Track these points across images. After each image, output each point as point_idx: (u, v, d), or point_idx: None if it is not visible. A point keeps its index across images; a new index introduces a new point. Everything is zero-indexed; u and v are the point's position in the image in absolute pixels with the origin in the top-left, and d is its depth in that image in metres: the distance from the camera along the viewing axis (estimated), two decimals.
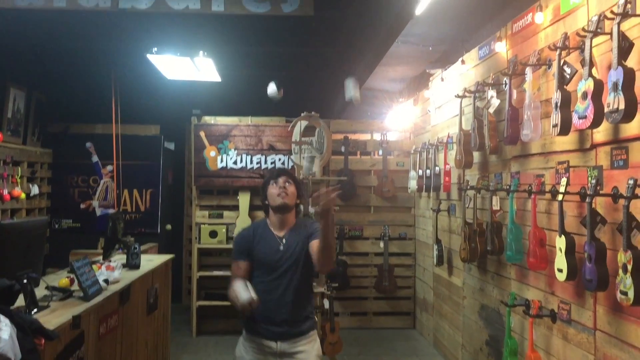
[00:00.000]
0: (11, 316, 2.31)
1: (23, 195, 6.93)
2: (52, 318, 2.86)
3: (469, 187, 5.14)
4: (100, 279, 3.67)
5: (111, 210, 7.88)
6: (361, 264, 7.74)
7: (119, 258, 4.86)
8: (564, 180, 3.47)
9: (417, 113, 7.73)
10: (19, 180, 6.88)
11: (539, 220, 3.89)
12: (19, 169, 6.94)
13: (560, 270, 3.42)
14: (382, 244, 7.54)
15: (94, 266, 4.02)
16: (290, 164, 7.26)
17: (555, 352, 3.80)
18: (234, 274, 3.18)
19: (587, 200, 3.14)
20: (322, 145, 5.77)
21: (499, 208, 4.67)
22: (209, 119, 7.64)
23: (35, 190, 7.34)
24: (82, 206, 7.97)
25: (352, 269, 7.65)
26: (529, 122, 3.85)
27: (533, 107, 3.82)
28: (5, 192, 6.51)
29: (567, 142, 3.61)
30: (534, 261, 3.81)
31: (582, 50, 3.28)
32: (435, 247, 6.29)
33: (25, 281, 2.93)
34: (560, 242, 3.42)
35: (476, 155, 5.22)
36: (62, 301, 3.28)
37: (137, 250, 4.64)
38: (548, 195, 3.78)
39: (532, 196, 3.87)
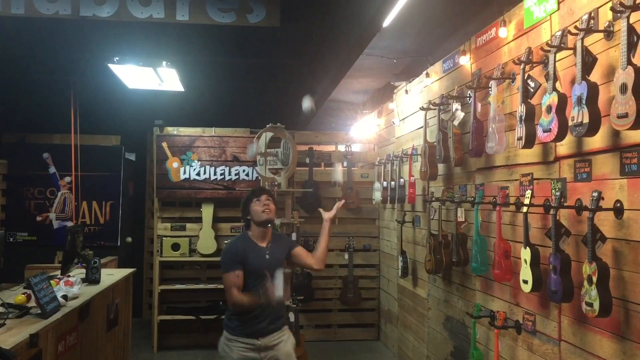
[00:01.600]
0: None
1: None
2: (8, 337, 2.74)
3: (433, 198, 5.17)
4: (59, 295, 3.53)
5: (69, 223, 7.66)
6: (325, 275, 7.70)
7: (78, 273, 4.71)
8: (528, 193, 3.51)
9: (382, 125, 7.77)
10: None
11: (504, 232, 3.93)
12: None
13: (526, 282, 3.45)
14: (346, 256, 7.53)
15: (52, 281, 3.88)
16: (255, 175, 7.21)
17: None
18: (234, 283, 3.60)
19: (552, 212, 3.18)
20: (287, 157, 5.73)
21: (464, 220, 4.70)
22: (171, 130, 7.53)
23: None
24: (39, 219, 7.73)
25: (317, 280, 7.61)
26: (493, 135, 3.89)
27: (497, 120, 3.87)
28: None
29: (531, 154, 3.65)
30: (499, 273, 3.84)
31: (546, 65, 3.35)
32: (400, 258, 6.30)
33: None
34: (525, 254, 3.46)
35: (441, 167, 5.26)
36: (19, 319, 3.15)
37: (97, 265, 4.50)
38: (512, 207, 3.81)
39: (497, 208, 3.90)
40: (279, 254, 3.80)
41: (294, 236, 5.59)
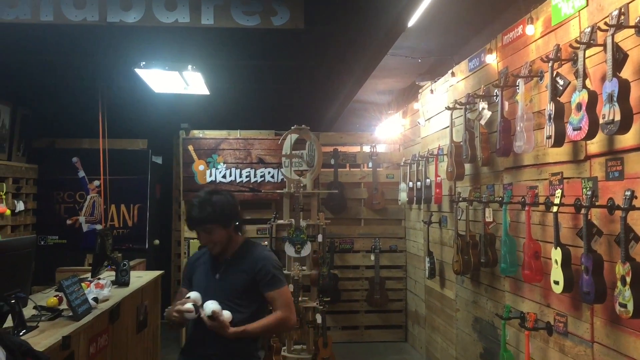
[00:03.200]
0: (0, 339, 2.24)
1: (8, 212, 6.81)
2: (42, 339, 2.78)
3: (460, 199, 5.12)
4: (90, 298, 3.58)
5: (99, 226, 7.77)
6: (352, 277, 7.69)
7: (107, 275, 4.77)
8: (558, 192, 3.45)
9: (407, 125, 7.73)
10: (4, 197, 6.76)
11: (533, 232, 3.87)
12: (4, 185, 6.82)
13: (557, 283, 3.40)
14: (372, 257, 7.50)
15: (82, 284, 3.94)
16: (280, 177, 7.23)
17: None
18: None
19: (583, 211, 3.12)
20: (312, 159, 5.73)
21: (491, 220, 4.65)
22: (197, 133, 7.58)
23: (20, 206, 7.21)
24: (69, 222, 7.85)
25: (343, 282, 7.60)
26: (521, 134, 3.84)
27: (526, 118, 3.82)
28: None
29: (560, 153, 3.60)
30: (529, 273, 3.79)
31: (575, 62, 3.29)
32: (427, 259, 6.25)
33: (13, 301, 2.86)
34: (556, 254, 3.40)
35: (468, 167, 5.21)
36: (51, 321, 3.20)
37: (126, 267, 4.55)
38: (542, 207, 3.76)
39: (526, 208, 3.85)
40: (237, 278, 2.94)
41: (320, 238, 5.59)
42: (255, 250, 3.04)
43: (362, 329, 7.71)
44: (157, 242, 8.40)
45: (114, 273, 4.67)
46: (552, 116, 3.37)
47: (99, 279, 4.31)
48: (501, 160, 4.51)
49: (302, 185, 5.57)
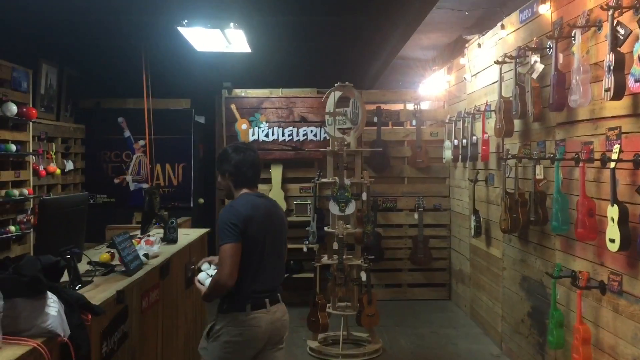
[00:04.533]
0: (58, 292, 2.30)
1: (58, 171, 6.97)
2: (97, 293, 2.85)
3: (509, 156, 4.99)
4: (140, 254, 3.65)
5: (145, 185, 7.90)
6: (395, 235, 7.66)
7: (156, 232, 4.85)
8: (616, 147, 3.31)
9: (452, 81, 7.54)
10: (53, 157, 6.92)
11: (588, 190, 3.75)
12: (54, 145, 6.97)
13: (612, 241, 3.29)
14: (416, 215, 7.44)
15: (133, 241, 4.01)
16: (323, 134, 7.18)
17: (604, 324, 3.69)
18: None
19: None
20: (356, 116, 5.64)
21: (542, 177, 4.53)
22: (239, 92, 7.57)
23: (70, 165, 7.38)
24: (116, 181, 8.01)
25: (386, 240, 7.59)
26: (577, 87, 3.68)
27: (582, 70, 3.65)
28: (41, 168, 6.55)
29: (619, 107, 3.44)
30: (583, 231, 3.68)
31: (637, 10, 3.11)
32: (473, 217, 6.16)
33: (68, 257, 2.93)
34: (613, 212, 3.29)
35: (517, 123, 5.06)
36: (105, 276, 3.27)
37: (174, 225, 4.62)
38: (597, 163, 3.64)
39: (581, 164, 3.72)
40: None
41: (364, 196, 5.55)
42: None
43: (406, 287, 7.72)
44: (201, 200, 8.51)
45: (162, 230, 4.74)
46: (612, 67, 3.21)
47: (149, 236, 4.39)
48: (554, 115, 4.35)
49: (346, 143, 5.52)
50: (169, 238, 4.62)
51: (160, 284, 3.84)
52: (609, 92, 3.25)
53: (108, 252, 3.71)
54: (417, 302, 7.53)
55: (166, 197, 7.99)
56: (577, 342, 3.75)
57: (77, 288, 2.89)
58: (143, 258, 3.65)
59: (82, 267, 3.25)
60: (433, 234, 7.66)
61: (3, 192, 5.59)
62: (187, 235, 5.16)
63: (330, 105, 5.83)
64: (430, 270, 7.69)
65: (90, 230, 7.16)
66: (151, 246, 3.94)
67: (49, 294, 2.20)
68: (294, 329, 6.34)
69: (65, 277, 2.92)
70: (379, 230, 7.41)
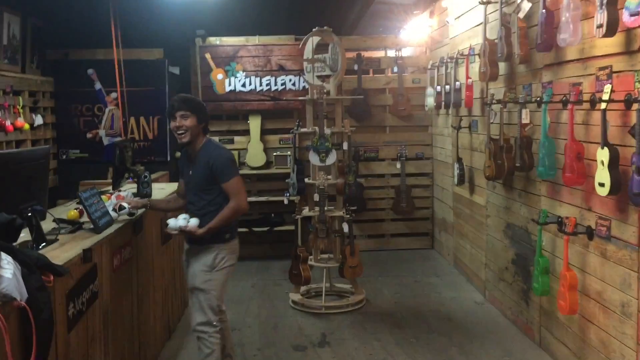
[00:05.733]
0: (14, 253, 2.12)
1: (27, 126, 6.66)
2: (61, 252, 2.68)
3: (494, 101, 4.83)
4: (110, 210, 3.47)
5: (119, 139, 7.63)
6: (377, 185, 7.55)
7: (129, 187, 4.66)
8: (607, 87, 3.17)
9: (434, 25, 7.30)
10: (20, 111, 6.60)
11: (576, 133, 3.61)
12: (20, 98, 6.64)
13: (602, 185, 3.18)
14: (398, 165, 7.32)
15: (103, 196, 3.82)
16: (302, 83, 6.94)
17: (591, 269, 3.62)
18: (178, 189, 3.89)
19: (636, 107, 2.85)
20: (336, 62, 5.40)
21: (528, 122, 4.38)
22: (214, 40, 7.28)
23: (39, 120, 7.06)
24: (89, 136, 7.70)
25: (369, 191, 7.47)
26: (567, 25, 3.49)
27: (572, 7, 3.45)
28: (8, 123, 6.23)
29: (610, 45, 3.28)
30: (571, 176, 3.57)
31: None
32: (456, 165, 6.04)
33: (30, 214, 2.74)
34: (602, 155, 3.17)
35: (502, 66, 4.89)
36: (72, 234, 3.09)
37: (147, 179, 4.41)
38: (586, 105, 3.49)
39: (569, 106, 3.58)
40: (199, 173, 3.50)
41: (345, 146, 5.37)
42: (210, 148, 3.55)
43: (388, 237, 7.65)
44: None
45: (135, 186, 4.55)
46: (605, 2, 3.03)
47: (120, 191, 4.20)
48: (541, 56, 4.18)
49: (325, 91, 5.30)
50: (142, 193, 4.41)
51: (134, 241, 3.68)
52: (601, 29, 3.08)
53: (76, 209, 3.53)
54: (400, 251, 7.48)
55: (142, 151, 7.74)
56: (563, 289, 3.68)
57: (40, 247, 2.71)
58: (113, 214, 3.47)
59: (49, 225, 3.07)
60: (416, 183, 7.55)
61: None
62: (163, 189, 4.99)
63: (308, 52, 5.58)
64: (413, 219, 7.62)
65: (63, 187, 6.95)
66: (122, 201, 3.75)
67: (3, 255, 2.02)
68: (276, 282, 6.28)
69: (29, 238, 2.75)
70: (360, 181, 7.28)
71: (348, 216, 5.32)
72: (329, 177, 5.39)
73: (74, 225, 3.18)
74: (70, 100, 7.65)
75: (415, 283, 6.18)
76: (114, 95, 7.53)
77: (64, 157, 7.70)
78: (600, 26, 3.08)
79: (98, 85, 7.69)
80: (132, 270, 3.64)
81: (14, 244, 2.26)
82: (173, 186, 5.27)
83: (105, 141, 7.70)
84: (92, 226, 3.14)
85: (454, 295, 5.73)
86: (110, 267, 3.19)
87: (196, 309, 3.47)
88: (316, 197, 5.23)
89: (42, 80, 7.31)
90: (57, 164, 7.62)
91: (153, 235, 4.23)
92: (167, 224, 3.40)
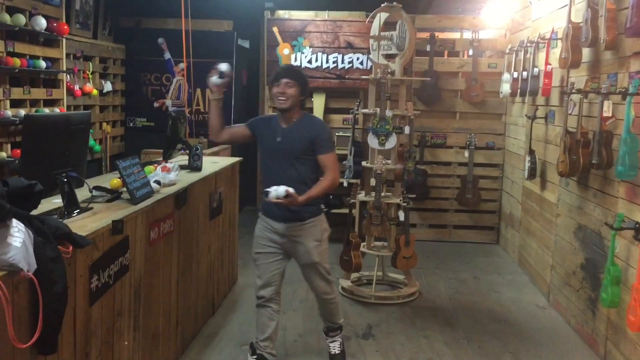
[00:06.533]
0: (29, 221, 2.02)
1: (95, 92, 6.76)
2: (91, 222, 2.58)
3: (574, 90, 4.41)
4: (152, 181, 3.37)
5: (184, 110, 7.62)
6: (443, 174, 7.21)
7: (181, 159, 4.58)
8: None
9: (516, 7, 6.81)
10: (90, 76, 6.69)
11: None
12: (90, 64, 6.73)
13: None
14: (466, 153, 6.94)
15: (149, 167, 3.75)
16: (370, 63, 6.66)
17: None
18: (234, 129, 3.82)
19: None
20: (403, 41, 5.09)
21: (610, 115, 3.95)
22: (282, 13, 7.10)
23: (108, 86, 7.16)
24: (156, 105, 7.75)
25: (433, 179, 7.14)
26: None
27: None
28: (77, 87, 6.33)
29: None
30: None
31: None
32: (528, 158, 5.63)
33: (65, 181, 2.66)
34: None
35: (586, 52, 4.45)
36: (108, 203, 3.01)
37: (198, 152, 4.33)
38: None
39: None
40: (294, 141, 3.48)
41: (407, 130, 5.08)
42: (313, 120, 3.71)
43: (451, 228, 7.31)
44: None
45: (187, 157, 4.46)
46: None
47: (167, 162, 4.12)
48: (630, 43, 3.74)
49: (389, 70, 5.02)
50: (193, 166, 4.35)
51: (176, 214, 3.58)
52: None
53: (120, 177, 3.45)
54: (462, 244, 7.14)
55: (205, 124, 7.73)
56: (635, 303, 3.30)
57: (71, 216, 2.64)
58: (155, 185, 3.37)
59: (87, 194, 3.00)
60: (484, 174, 7.14)
61: (34, 110, 5.41)
62: (216, 163, 4.89)
63: (375, 29, 5.30)
64: (478, 212, 7.23)
65: (129, 154, 7.02)
66: (168, 173, 3.66)
67: (14, 222, 1.93)
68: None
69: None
70: (424, 168, 6.97)
71: (405, 204, 5.05)
72: (388, 161, 5.13)
73: (112, 194, 3.10)
74: (140, 68, 7.72)
75: (474, 279, 5.85)
76: (182, 65, 7.49)
77: (131, 124, 7.80)
78: None
79: (167, 55, 7.70)
80: (172, 244, 3.55)
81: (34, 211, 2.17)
82: (227, 160, 5.19)
83: (172, 111, 7.68)
84: (129, 197, 3.04)
85: (515, 296, 5.37)
86: (146, 240, 3.10)
87: (318, 280, 3.70)
88: (373, 182, 4.99)
89: (113, 47, 7.39)
90: (125, 131, 7.73)
91: (200, 210, 4.13)
92: (267, 193, 3.25)
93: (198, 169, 4.33)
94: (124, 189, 3.19)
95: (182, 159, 4.61)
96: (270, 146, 3.54)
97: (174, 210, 3.54)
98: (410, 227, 7.09)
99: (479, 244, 7.18)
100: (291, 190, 3.24)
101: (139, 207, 2.98)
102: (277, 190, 3.23)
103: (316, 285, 3.74)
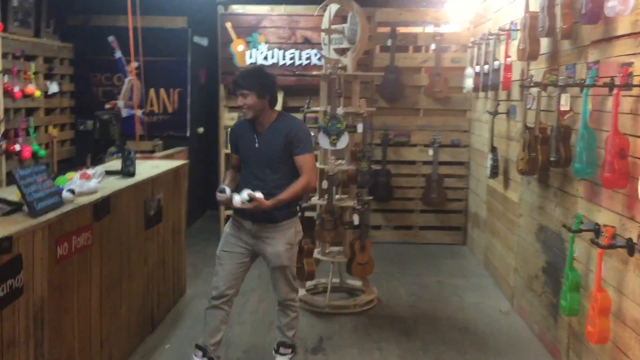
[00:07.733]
0: None
1: (38, 93, 6.35)
2: None
3: (532, 83, 4.15)
4: (65, 190, 3.04)
5: (139, 112, 7.26)
6: (407, 173, 6.94)
7: (113, 165, 4.25)
8: None
9: None
10: (32, 77, 6.30)
11: (621, 124, 2.94)
12: (32, 64, 6.34)
13: None
14: (431, 152, 6.69)
15: (68, 174, 3.42)
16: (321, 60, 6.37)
17: (629, 291, 2.97)
18: (231, 164, 3.75)
19: None
20: (354, 34, 4.80)
21: (569, 109, 3.71)
22: (236, 8, 6.79)
23: (54, 88, 6.76)
24: (107, 106, 7.32)
25: (397, 178, 6.88)
26: None
27: None
28: (16, 89, 5.94)
29: None
30: (610, 177, 2.91)
31: None
32: (490, 156, 5.39)
33: None
34: None
35: (544, 43, 4.20)
36: (5, 217, 2.67)
37: (131, 156, 3.99)
38: (637, 90, 2.82)
39: (615, 91, 2.91)
40: (271, 144, 3.43)
41: (360, 128, 4.79)
42: (288, 119, 3.57)
43: (417, 229, 7.04)
44: (201, 130, 7.88)
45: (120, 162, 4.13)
46: None
47: (88, 168, 3.78)
48: (587, 31, 3.50)
49: (340, 65, 4.73)
50: (126, 171, 4.01)
51: (95, 226, 3.25)
52: None
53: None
54: (429, 246, 6.88)
55: (161, 125, 7.39)
56: (592, 312, 3.05)
57: None
58: (68, 195, 3.03)
59: None
60: (449, 172, 6.90)
61: None
62: (156, 167, 4.55)
63: (325, 22, 5.01)
64: (445, 212, 6.98)
65: (79, 159, 6.62)
66: (87, 181, 3.33)
67: None
68: None
69: None
70: (388, 168, 6.69)
71: (359, 208, 4.76)
72: (342, 162, 4.84)
73: (12, 206, 2.76)
74: (90, 68, 7.35)
75: (437, 284, 5.58)
76: (134, 64, 7.12)
77: (82, 127, 7.38)
78: None
79: (118, 54, 7.33)
80: (91, 260, 3.22)
81: None
82: (170, 164, 4.85)
83: (124, 113, 7.31)
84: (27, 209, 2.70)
85: (478, 301, 5.11)
86: (50, 258, 2.76)
87: (283, 284, 3.61)
88: (324, 185, 4.69)
89: (59, 46, 7.01)
90: (75, 135, 7.34)
91: (130, 219, 3.80)
92: (231, 199, 3.28)
93: (131, 174, 3.99)
94: None
95: (116, 164, 4.28)
96: (249, 153, 3.51)
97: (92, 221, 3.20)
98: (375, 229, 6.90)
99: (445, 245, 6.92)
100: (258, 194, 3.24)
101: (38, 221, 2.65)
102: (242, 195, 3.25)
103: (280, 289, 3.65)
